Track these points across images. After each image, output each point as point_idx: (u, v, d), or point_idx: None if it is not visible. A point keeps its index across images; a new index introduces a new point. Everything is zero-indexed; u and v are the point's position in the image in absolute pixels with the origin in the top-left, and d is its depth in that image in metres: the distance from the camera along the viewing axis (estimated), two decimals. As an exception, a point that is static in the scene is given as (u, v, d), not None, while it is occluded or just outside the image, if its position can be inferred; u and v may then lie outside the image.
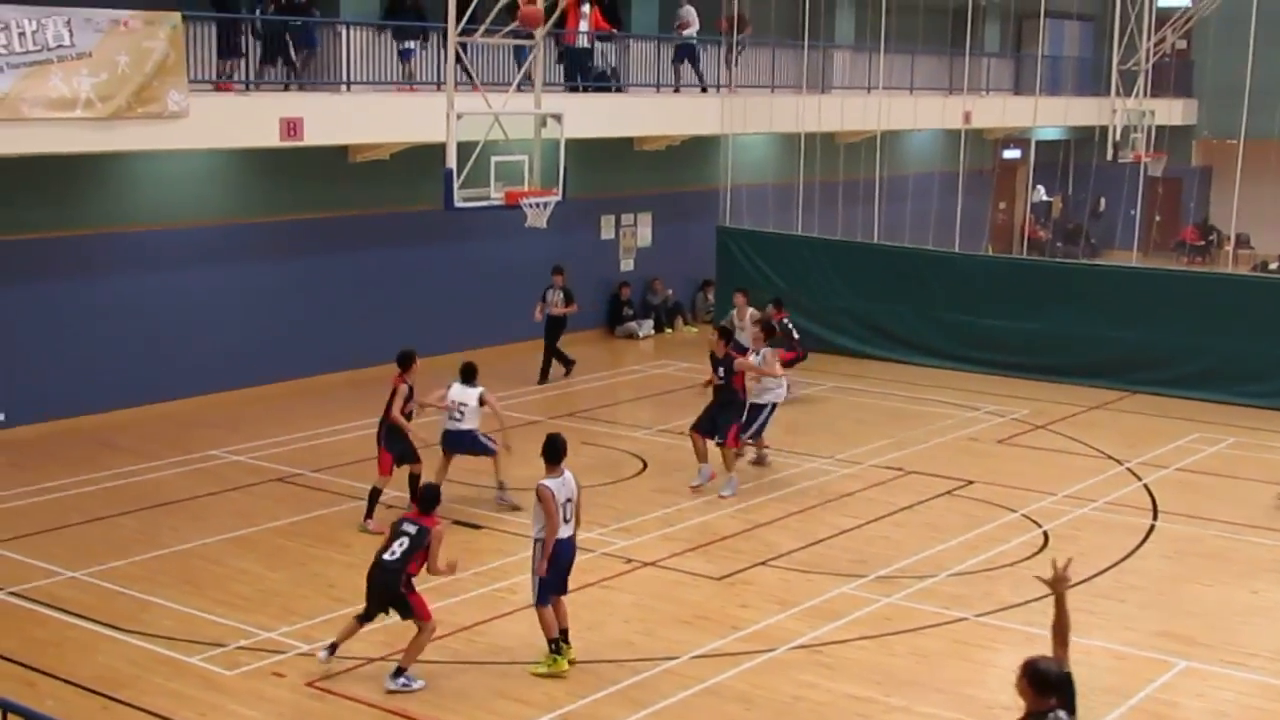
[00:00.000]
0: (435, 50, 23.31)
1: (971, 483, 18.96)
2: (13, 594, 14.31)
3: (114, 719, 11.69)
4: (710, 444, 18.43)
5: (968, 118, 34.97)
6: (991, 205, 42.40)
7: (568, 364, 25.30)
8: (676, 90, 28.51)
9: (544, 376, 24.90)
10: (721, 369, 18.45)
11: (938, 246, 29.99)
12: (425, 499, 12.71)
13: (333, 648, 12.66)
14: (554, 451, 12.75)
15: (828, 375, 25.51)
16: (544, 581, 12.63)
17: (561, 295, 24.97)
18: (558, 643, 12.73)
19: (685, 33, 28.47)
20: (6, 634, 13.34)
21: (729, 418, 18.40)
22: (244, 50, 21.08)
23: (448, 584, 14.70)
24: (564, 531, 12.69)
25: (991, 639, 13.68)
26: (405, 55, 23.34)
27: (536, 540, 12.70)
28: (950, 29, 36.20)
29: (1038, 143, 37.80)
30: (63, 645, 13.18)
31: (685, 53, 28.60)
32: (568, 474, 12.80)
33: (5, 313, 20.26)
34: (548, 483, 12.58)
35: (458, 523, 16.30)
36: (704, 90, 28.85)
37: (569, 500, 12.71)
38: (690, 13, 28.55)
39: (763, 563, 15.68)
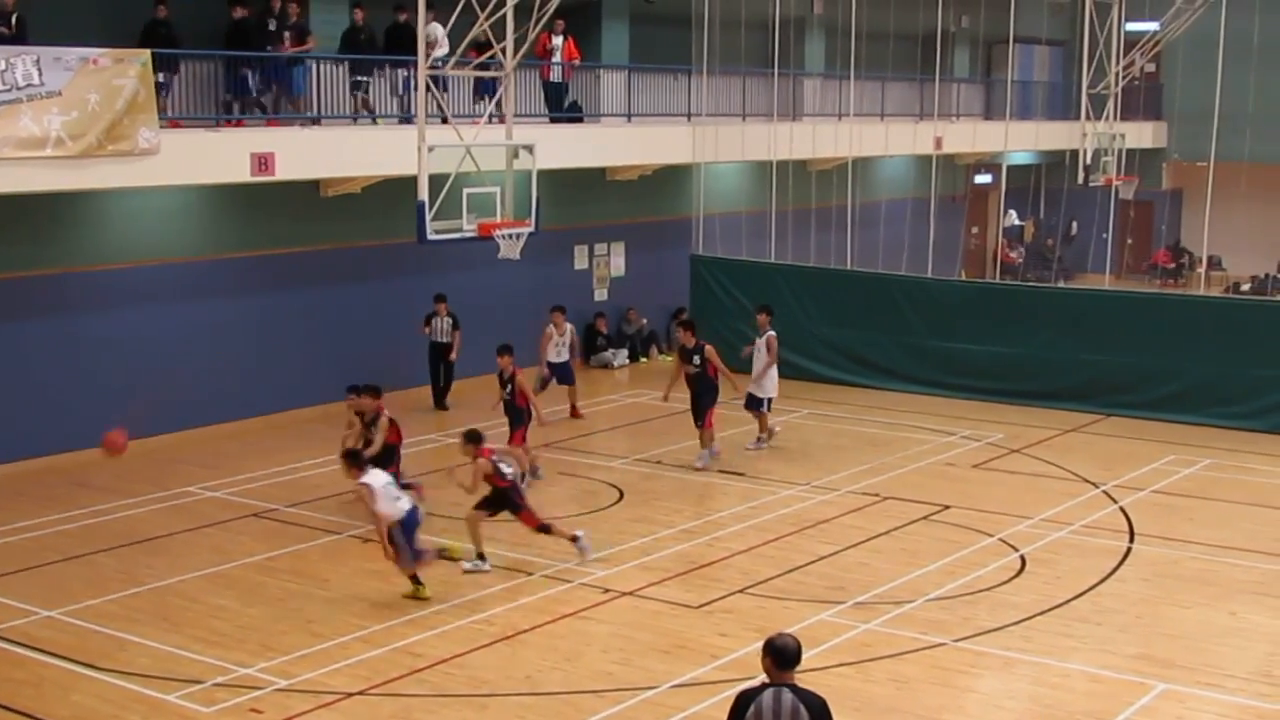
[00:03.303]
0: (395, 84, 23.48)
1: (948, 508, 18.99)
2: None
3: (90, 759, 11.64)
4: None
5: (939, 143, 35.17)
6: (964, 230, 42.57)
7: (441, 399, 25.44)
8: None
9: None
10: (696, 357, 21.13)
11: (911, 272, 30.08)
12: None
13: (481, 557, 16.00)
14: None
15: (803, 402, 25.54)
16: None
17: (449, 322, 25.03)
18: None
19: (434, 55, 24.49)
20: (-17, 676, 13.28)
21: (707, 403, 21.09)
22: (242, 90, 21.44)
23: (427, 616, 14.73)
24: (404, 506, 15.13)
25: (970, 664, 13.68)
26: (358, 87, 23.24)
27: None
28: (920, 55, 36.40)
29: (1009, 167, 37.92)
30: (40, 685, 13.10)
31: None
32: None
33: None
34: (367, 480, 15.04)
35: (442, 555, 16.24)
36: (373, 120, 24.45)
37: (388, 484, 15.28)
38: (436, 30, 22.68)
39: (741, 590, 15.67)
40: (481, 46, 20.28)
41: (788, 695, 8.18)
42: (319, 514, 18.54)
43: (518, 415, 19.77)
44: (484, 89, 24.11)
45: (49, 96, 18.33)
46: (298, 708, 12.55)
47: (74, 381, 21.15)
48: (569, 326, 24.39)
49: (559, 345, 24.03)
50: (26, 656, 13.76)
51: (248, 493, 19.64)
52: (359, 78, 23.29)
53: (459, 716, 12.48)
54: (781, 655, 8.29)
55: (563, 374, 24.17)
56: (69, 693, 12.94)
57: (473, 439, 16.13)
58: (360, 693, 12.90)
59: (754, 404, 22.34)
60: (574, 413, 24.47)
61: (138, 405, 21.01)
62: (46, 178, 18.62)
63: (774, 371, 22.40)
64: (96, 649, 13.89)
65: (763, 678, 8.42)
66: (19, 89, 18.03)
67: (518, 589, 15.66)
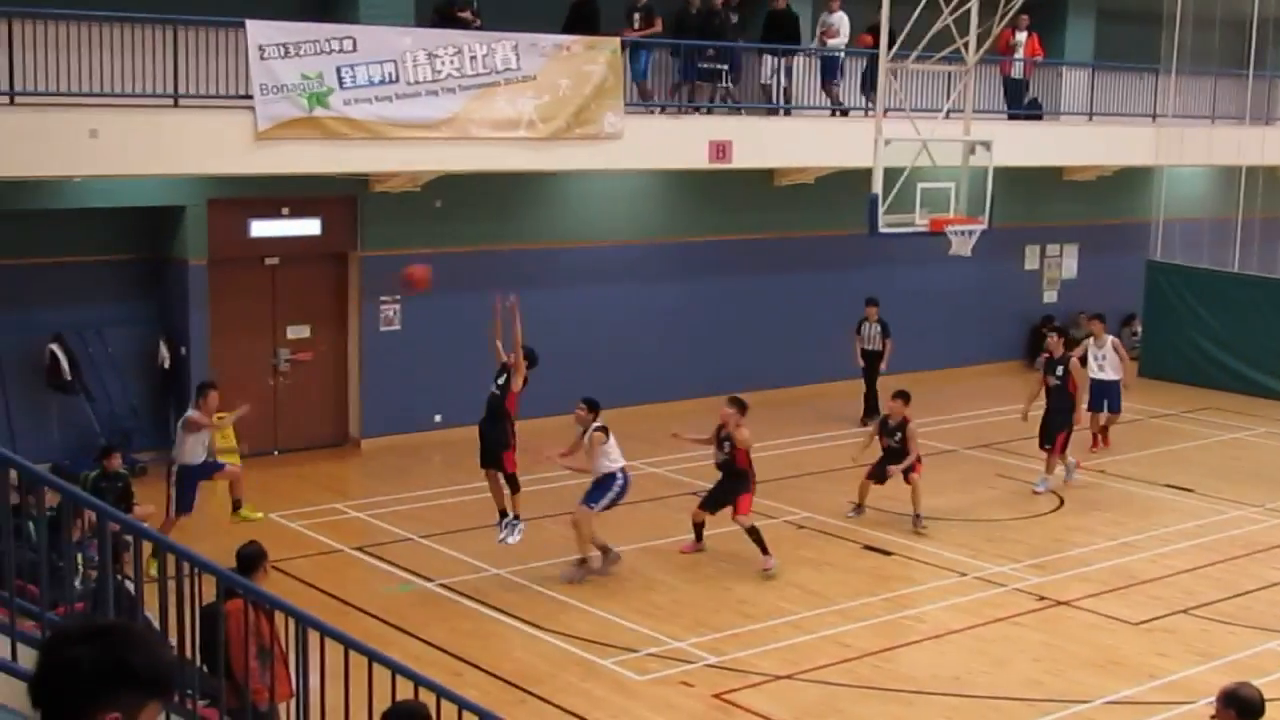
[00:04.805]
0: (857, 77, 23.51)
1: None
2: (443, 586, 15.07)
3: (529, 713, 12.17)
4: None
5: None
6: None
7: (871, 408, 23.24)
8: (840, 114, 24.21)
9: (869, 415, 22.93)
10: (1060, 368, 19.56)
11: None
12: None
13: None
14: None
15: (1260, 420, 24.35)
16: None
17: (879, 329, 23.48)
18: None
19: (831, 43, 23.96)
20: (437, 624, 14.09)
21: (1059, 423, 19.47)
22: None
23: (856, 608, 14.77)
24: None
25: None
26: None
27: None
28: None
29: None
30: (486, 639, 13.83)
31: (830, 69, 23.93)
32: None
33: (447, 320, 21.30)
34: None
35: (868, 548, 16.28)
36: (844, 113, 24.15)
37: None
38: (841, 20, 23.83)
39: (1183, 611, 15.09)
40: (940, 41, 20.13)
41: None
42: (758, 497, 18.77)
43: (741, 479, 16.26)
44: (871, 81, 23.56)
45: (524, 80, 19.27)
46: (726, 685, 12.81)
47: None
48: (1110, 339, 21.70)
49: (1099, 359, 21.34)
50: (475, 610, 14.54)
51: (685, 471, 20.09)
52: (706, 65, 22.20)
53: (885, 710, 12.49)
54: (1247, 708, 7.78)
55: (1111, 396, 21.46)
56: (512, 648, 13.60)
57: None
58: (788, 677, 13.07)
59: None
60: (1103, 440, 21.71)
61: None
62: (518, 157, 19.59)
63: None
64: (540, 609, 14.53)
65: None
66: (498, 73, 19.02)
67: (949, 589, 15.53)
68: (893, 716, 12.39)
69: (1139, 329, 29.16)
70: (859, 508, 17.91)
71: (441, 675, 11.22)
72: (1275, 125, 30.95)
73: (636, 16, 21.44)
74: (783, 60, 22.90)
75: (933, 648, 13.87)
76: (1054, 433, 19.49)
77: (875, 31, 23.55)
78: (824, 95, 23.73)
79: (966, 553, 16.63)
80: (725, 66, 22.08)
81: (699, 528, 16.51)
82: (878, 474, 17.72)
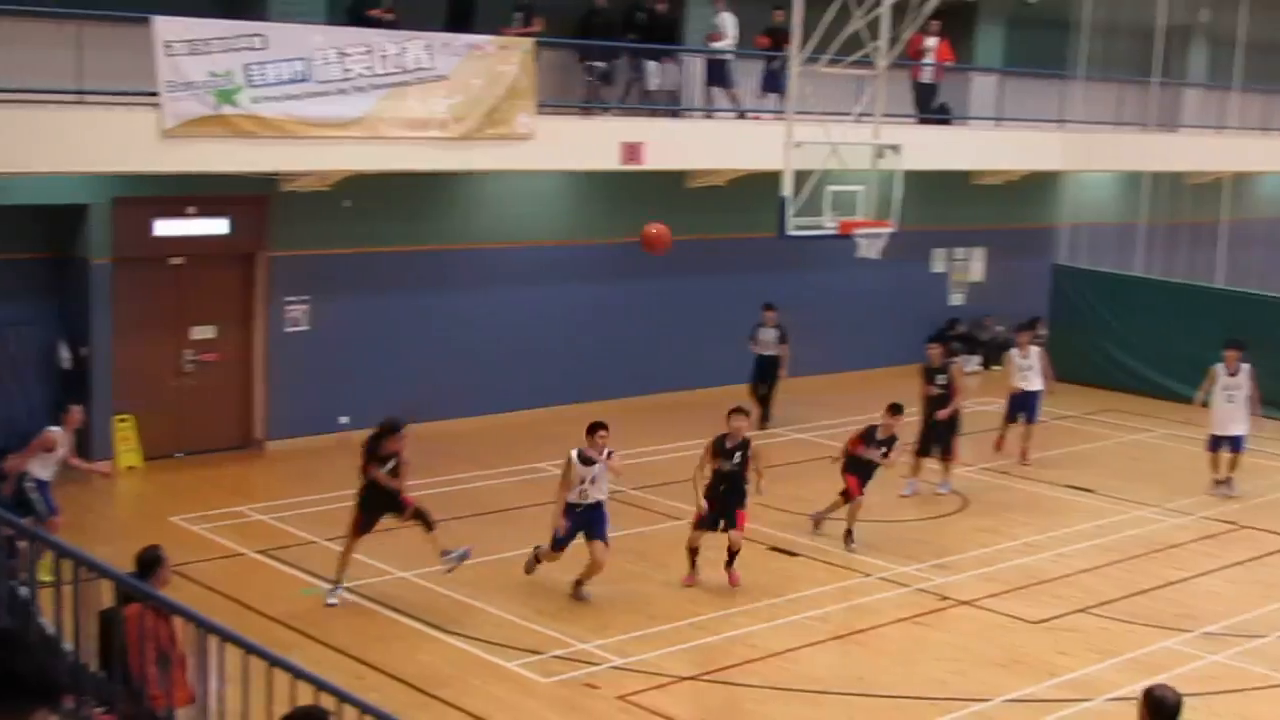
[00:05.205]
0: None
1: (1311, 542, 18.14)
2: (347, 589, 14.98)
3: (433, 717, 12.14)
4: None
5: (1326, 161, 33.44)
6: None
7: (765, 415, 23.42)
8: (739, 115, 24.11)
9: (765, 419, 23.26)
10: (940, 377, 19.68)
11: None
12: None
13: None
14: None
15: (1160, 421, 24.74)
16: None
17: (776, 334, 23.43)
18: None
19: (717, 45, 23.88)
20: (341, 627, 14.01)
21: (947, 431, 19.56)
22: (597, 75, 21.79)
23: (761, 609, 14.85)
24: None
25: (1326, 708, 13.07)
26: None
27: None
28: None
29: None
30: (389, 642, 13.76)
31: (717, 71, 23.91)
32: None
33: (356, 321, 21.26)
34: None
35: (773, 549, 16.38)
36: (740, 115, 24.08)
37: None
38: (726, 21, 23.82)
39: (1083, 610, 15.30)
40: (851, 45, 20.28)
41: None
42: (663, 499, 18.86)
43: (742, 492, 15.68)
44: (771, 84, 23.81)
45: (437, 80, 19.22)
46: (632, 686, 12.83)
47: (440, 354, 22.09)
48: (1036, 349, 21.80)
49: (1024, 370, 21.56)
50: (379, 613, 14.47)
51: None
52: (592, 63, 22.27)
53: (790, 711, 12.56)
54: (1160, 709, 7.89)
55: (1031, 407, 21.57)
56: (416, 651, 13.55)
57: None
58: (693, 678, 13.12)
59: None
60: (1022, 457, 21.55)
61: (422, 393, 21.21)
62: (429, 157, 19.53)
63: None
64: (444, 612, 14.49)
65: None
66: (409, 72, 18.95)
67: (853, 589, 15.66)
68: (798, 717, 12.47)
69: (1044, 331, 29.48)
70: (848, 535, 17.09)
71: (343, 679, 11.13)
72: (1180, 132, 31.41)
73: (518, 15, 21.30)
74: (663, 63, 22.77)
75: (838, 648, 13.98)
76: (946, 440, 19.63)
77: (773, 33, 23.77)
78: (727, 98, 23.82)
79: (871, 553, 16.76)
80: (603, 64, 22.03)
81: (694, 553, 15.66)
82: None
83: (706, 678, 13.11)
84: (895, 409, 17.24)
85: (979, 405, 26.06)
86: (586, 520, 14.79)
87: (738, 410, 15.71)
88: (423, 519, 14.77)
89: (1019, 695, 12.99)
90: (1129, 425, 24.41)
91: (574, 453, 14.67)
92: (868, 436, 17.16)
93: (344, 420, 21.21)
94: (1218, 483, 20.12)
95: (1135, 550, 17.50)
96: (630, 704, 12.50)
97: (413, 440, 15.27)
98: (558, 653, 13.58)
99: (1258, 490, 20.43)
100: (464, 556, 14.81)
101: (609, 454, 14.76)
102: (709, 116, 23.68)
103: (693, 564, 15.63)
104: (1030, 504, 19.43)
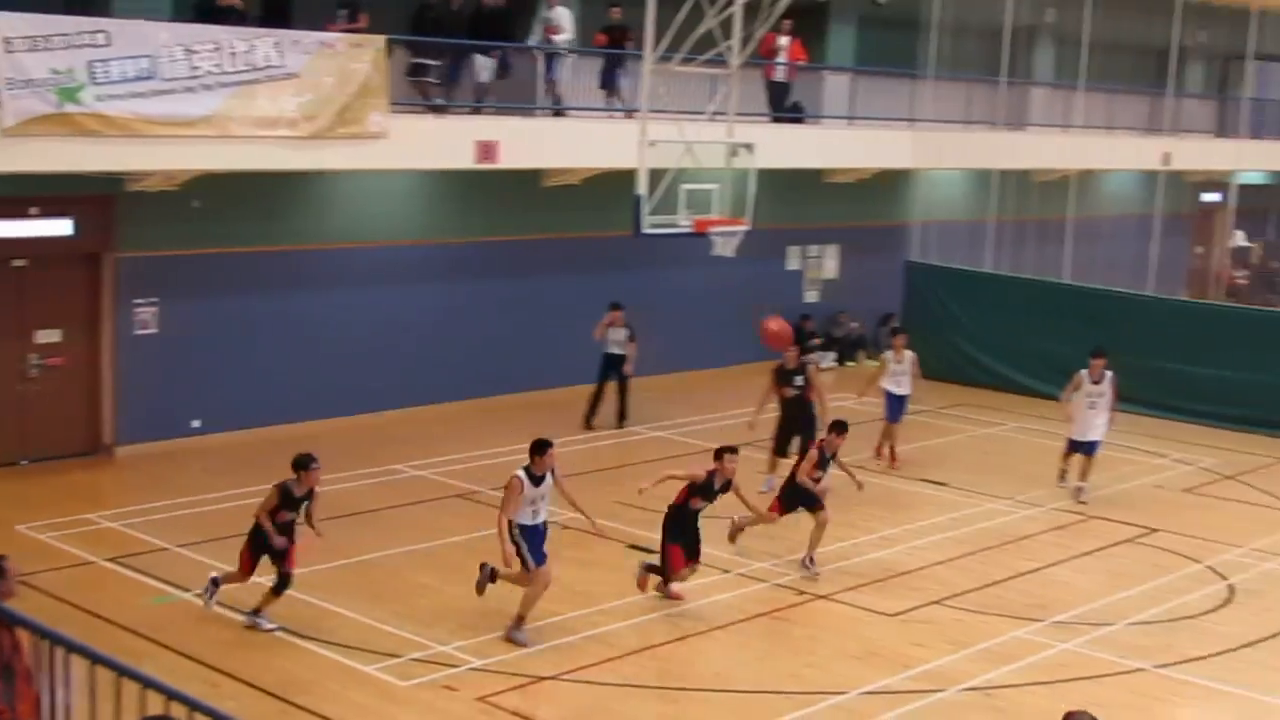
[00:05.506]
0: (629, 77, 23.57)
1: (1155, 531, 18.56)
2: (199, 596, 14.71)
3: (291, 723, 11.99)
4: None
5: (1167, 159, 34.29)
6: (1189, 250, 41.44)
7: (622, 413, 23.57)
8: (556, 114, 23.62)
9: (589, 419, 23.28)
10: (798, 378, 19.58)
11: (1131, 290, 29.41)
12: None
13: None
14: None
15: (1012, 415, 25.21)
16: None
17: (625, 333, 23.14)
18: None
19: (556, 39, 23.40)
20: (195, 636, 13.75)
21: (807, 432, 19.33)
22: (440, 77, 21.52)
23: (621, 607, 14.84)
24: None
25: (1171, 693, 13.37)
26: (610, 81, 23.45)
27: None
28: (1153, 69, 35.56)
29: (1240, 187, 36.92)
30: (246, 649, 13.54)
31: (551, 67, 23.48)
32: None
33: (206, 323, 20.90)
34: None
35: (633, 547, 16.40)
36: (558, 113, 23.59)
37: None
38: (562, 15, 23.41)
39: (937, 602, 15.52)
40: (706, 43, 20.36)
41: None
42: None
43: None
44: (613, 81, 23.86)
45: (287, 78, 18.94)
46: (492, 688, 12.77)
47: (294, 356, 21.81)
48: (909, 354, 21.76)
49: (898, 374, 21.71)
50: (234, 621, 14.22)
51: (453, 474, 20.01)
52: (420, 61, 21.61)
53: (650, 709, 12.59)
54: None
55: (899, 410, 21.64)
56: (273, 658, 13.35)
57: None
58: (554, 677, 13.08)
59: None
60: (892, 458, 21.58)
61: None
62: (280, 157, 19.24)
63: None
64: (301, 617, 14.28)
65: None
66: (259, 69, 18.66)
67: (712, 586, 15.71)
68: (658, 714, 12.49)
69: (897, 328, 29.87)
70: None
71: (198, 688, 10.94)
72: (1027, 130, 32.02)
73: (343, 12, 20.71)
74: (496, 58, 22.21)
75: (697, 644, 14.02)
76: (803, 443, 19.13)
77: (610, 31, 23.75)
78: (597, 95, 23.81)
79: (730, 550, 16.83)
80: (437, 63, 21.69)
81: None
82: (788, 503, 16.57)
83: (566, 677, 13.08)
84: (840, 427, 16.75)
85: (835, 400, 26.38)
86: (541, 540, 14.12)
87: (731, 451, 15.06)
88: (282, 583, 14.04)
89: (875, 687, 13.14)
90: (980, 419, 24.82)
91: (521, 472, 13.88)
92: (821, 461, 16.49)
93: (196, 424, 20.90)
94: (1077, 489, 20.11)
95: (988, 542, 17.80)
96: (490, 705, 12.44)
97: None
98: (417, 655, 13.46)
99: (1104, 482, 20.84)
100: (268, 630, 13.96)
101: (552, 472, 14.09)
102: (559, 114, 23.52)
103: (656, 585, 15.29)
104: (885, 498, 19.65)
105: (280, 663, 13.21)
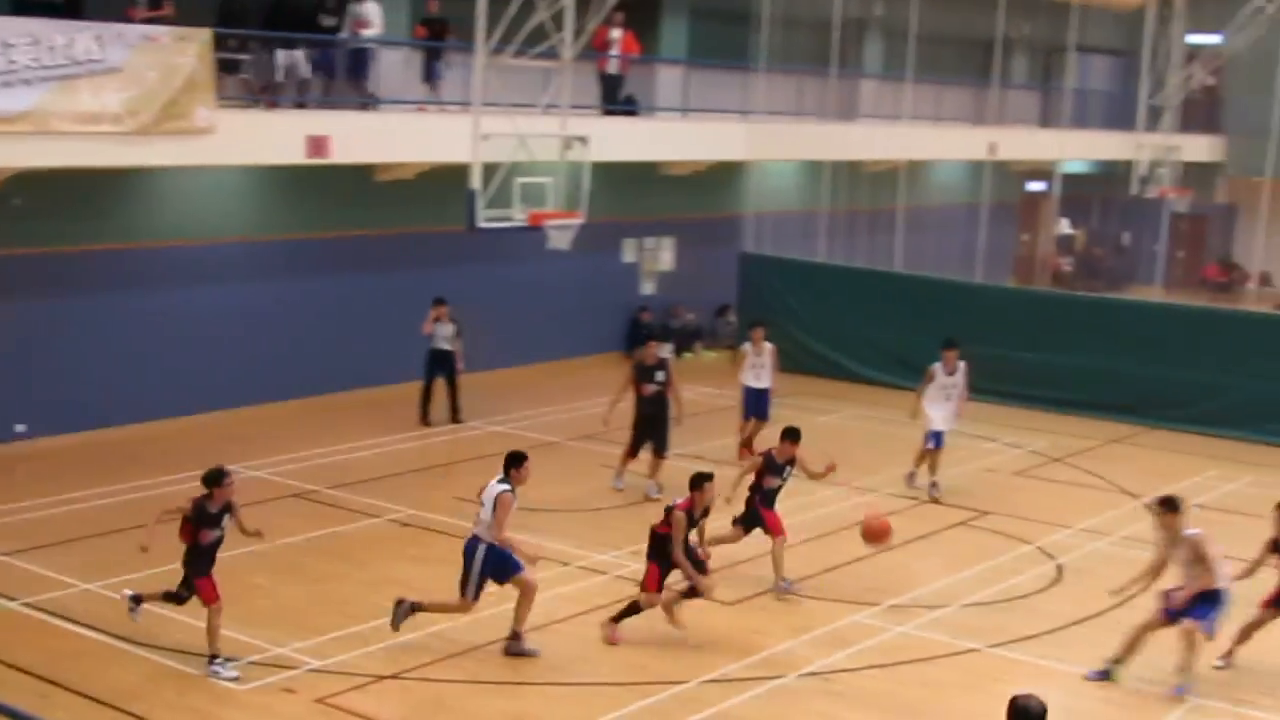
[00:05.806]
0: (461, 70, 23.41)
1: (987, 514, 18.96)
2: (29, 605, 14.37)
3: (125, 731, 11.76)
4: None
5: (993, 149, 35.03)
6: (1015, 237, 42.39)
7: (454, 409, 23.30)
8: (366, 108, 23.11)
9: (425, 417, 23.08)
10: (659, 374, 19.36)
11: (960, 277, 29.99)
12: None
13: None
14: None
15: (846, 402, 25.55)
16: None
17: (452, 329, 22.92)
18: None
19: (364, 34, 22.85)
20: (23, 645, 13.41)
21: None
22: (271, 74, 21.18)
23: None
24: None
25: (1003, 671, 13.65)
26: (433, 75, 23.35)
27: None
28: (979, 60, 36.28)
29: (1064, 176, 37.86)
30: (78, 658, 13.24)
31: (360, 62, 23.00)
32: None
33: (30, 324, 20.39)
34: None
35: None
36: (368, 107, 23.16)
37: None
38: (371, 10, 22.81)
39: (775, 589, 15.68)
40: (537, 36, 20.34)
41: None
42: (359, 496, 18.66)
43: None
44: (433, 73, 23.71)
45: (109, 72, 18.51)
46: (330, 688, 12.65)
47: (123, 356, 21.35)
48: (769, 346, 21.71)
49: (757, 367, 21.68)
50: (65, 629, 13.91)
51: (289, 473, 19.76)
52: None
53: (491, 704, 12.55)
54: (1024, 716, 8.20)
55: (763, 404, 21.68)
56: (107, 666, 13.07)
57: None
58: (393, 676, 12.99)
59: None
60: (749, 449, 20.94)
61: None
62: (104, 153, 18.79)
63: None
64: (133, 624, 13.98)
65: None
66: (79, 64, 18.21)
67: (553, 579, 15.69)
68: (498, 710, 12.46)
69: (733, 319, 30.13)
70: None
71: (26, 699, 10.75)
72: (857, 122, 32.46)
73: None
74: (297, 51, 21.69)
75: (537, 638, 13.97)
76: (660, 439, 19.40)
77: (429, 24, 23.58)
78: (425, 89, 23.66)
79: (571, 542, 16.86)
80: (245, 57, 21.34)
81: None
82: (748, 521, 16.08)
83: (407, 675, 13.00)
84: (792, 434, 16.32)
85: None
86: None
87: (708, 478, 14.47)
88: (180, 595, 13.46)
89: (716, 675, 13.25)
90: (816, 408, 25.08)
91: (513, 492, 13.51)
92: (769, 465, 16.13)
93: (20, 428, 20.38)
94: (931, 485, 20.08)
95: (824, 529, 18.01)
96: (329, 706, 12.32)
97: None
98: (254, 658, 13.28)
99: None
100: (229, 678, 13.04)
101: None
102: (365, 108, 23.18)
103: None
104: (723, 488, 19.72)
105: (113, 671, 12.94)
